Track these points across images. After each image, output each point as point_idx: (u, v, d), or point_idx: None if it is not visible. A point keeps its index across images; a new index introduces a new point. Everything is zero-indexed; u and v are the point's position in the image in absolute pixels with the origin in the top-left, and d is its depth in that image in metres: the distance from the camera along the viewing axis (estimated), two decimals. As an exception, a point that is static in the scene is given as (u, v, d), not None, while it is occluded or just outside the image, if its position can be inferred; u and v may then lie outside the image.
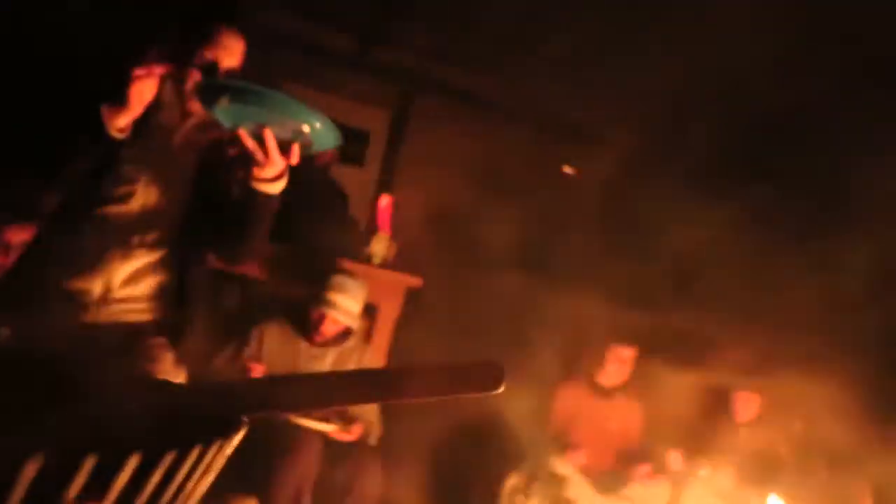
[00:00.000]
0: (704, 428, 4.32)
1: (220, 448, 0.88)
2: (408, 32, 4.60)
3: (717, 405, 4.38)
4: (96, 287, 1.83)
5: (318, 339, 3.47)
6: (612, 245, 4.25)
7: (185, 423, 0.82)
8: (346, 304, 3.47)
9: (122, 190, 1.86)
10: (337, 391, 1.00)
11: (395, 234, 4.02)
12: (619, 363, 4.26)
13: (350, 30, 4.53)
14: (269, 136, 1.67)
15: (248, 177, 1.79)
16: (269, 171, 1.76)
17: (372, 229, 3.98)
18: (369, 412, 3.55)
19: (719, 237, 3.90)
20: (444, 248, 4.48)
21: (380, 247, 3.90)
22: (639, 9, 3.74)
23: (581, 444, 4.08)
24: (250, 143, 1.69)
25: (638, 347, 4.27)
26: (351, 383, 1.07)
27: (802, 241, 3.96)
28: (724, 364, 4.08)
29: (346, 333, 3.52)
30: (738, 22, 3.37)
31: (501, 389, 0.97)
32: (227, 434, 0.87)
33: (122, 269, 1.86)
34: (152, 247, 1.90)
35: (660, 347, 4.19)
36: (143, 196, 1.88)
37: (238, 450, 1.20)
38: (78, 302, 1.83)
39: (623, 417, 4.32)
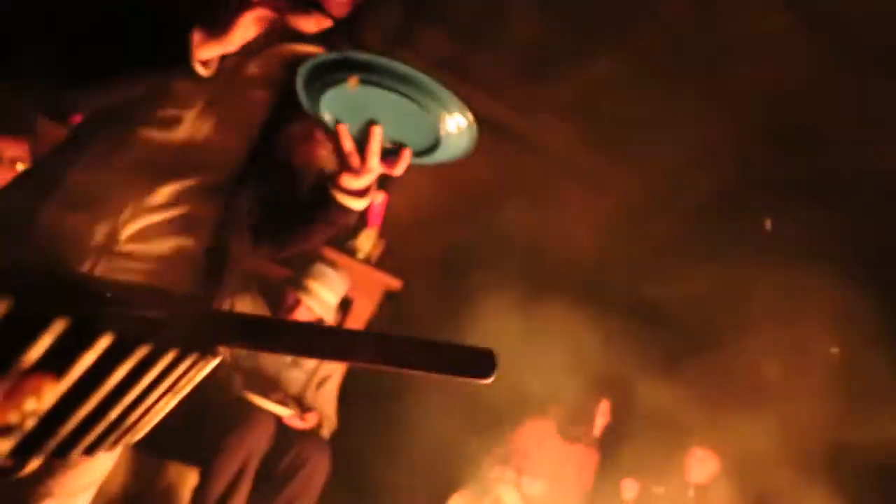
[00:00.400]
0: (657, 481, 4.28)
1: (193, 366, 0.84)
2: (430, 41, 4.61)
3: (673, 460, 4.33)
4: (98, 231, 1.39)
5: (289, 322, 3.43)
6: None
7: (164, 325, 0.79)
8: (323, 295, 3.44)
9: (169, 112, 1.43)
10: (323, 342, 0.97)
11: (384, 234, 4.00)
12: (603, 417, 4.25)
13: (381, 28, 4.53)
14: (377, 136, 1.31)
15: (330, 181, 1.41)
16: (361, 182, 1.38)
17: (361, 224, 3.96)
18: (327, 404, 3.51)
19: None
20: (433, 259, 4.45)
21: (366, 242, 3.88)
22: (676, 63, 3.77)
23: (537, 477, 4.05)
24: (349, 144, 1.33)
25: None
26: (338, 338, 1.03)
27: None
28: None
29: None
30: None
31: (490, 380, 0.95)
32: (203, 353, 0.84)
33: (139, 219, 1.41)
34: (186, 199, 1.43)
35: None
36: (192, 127, 1.44)
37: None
38: (72, 244, 1.39)
39: (581, 463, 4.29)
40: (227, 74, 1.44)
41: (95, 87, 1.38)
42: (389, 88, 1.24)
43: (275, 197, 1.50)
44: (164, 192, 1.42)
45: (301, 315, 3.42)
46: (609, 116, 4.46)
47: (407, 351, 0.95)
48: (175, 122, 1.43)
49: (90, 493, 1.37)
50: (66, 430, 0.73)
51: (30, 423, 0.67)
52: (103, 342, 0.67)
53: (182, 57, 1.32)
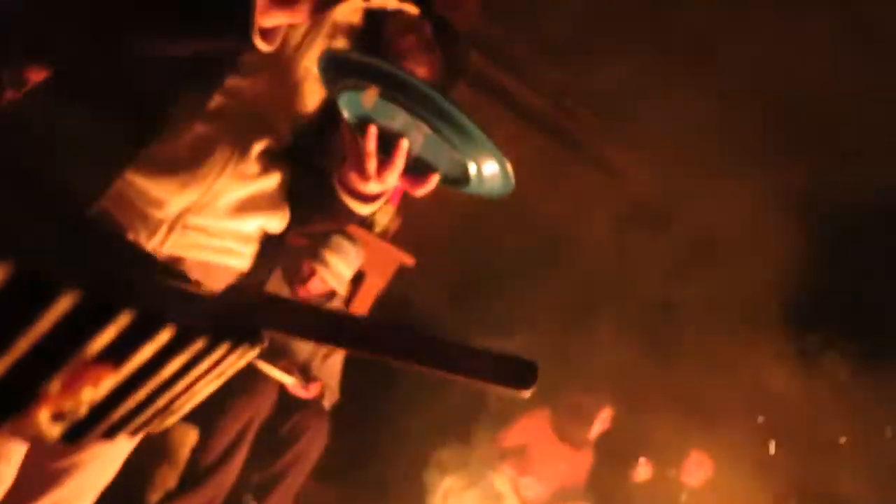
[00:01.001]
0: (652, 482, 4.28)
1: (241, 356, 0.82)
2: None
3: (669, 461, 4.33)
4: (181, 200, 1.18)
5: (302, 292, 3.41)
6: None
7: (217, 318, 0.76)
8: (338, 268, 3.42)
9: (250, 58, 1.21)
10: (360, 336, 0.93)
11: (402, 210, 3.97)
12: (602, 424, 4.22)
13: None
14: (403, 150, 1.10)
15: (340, 179, 1.22)
16: (372, 187, 1.18)
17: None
18: (331, 375, 3.50)
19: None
20: (450, 240, 4.41)
21: (384, 216, 3.84)
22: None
23: (529, 471, 4.04)
24: (372, 146, 1.11)
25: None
26: (377, 332, 0.99)
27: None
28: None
29: (330, 296, 3.46)
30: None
31: (528, 394, 0.89)
32: (252, 342, 0.81)
33: (235, 189, 1.22)
34: (272, 166, 1.26)
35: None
36: (268, 79, 1.24)
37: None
38: (143, 213, 1.17)
39: (575, 461, 4.26)
40: (292, 49, 1.25)
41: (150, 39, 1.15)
42: (414, 114, 1.04)
43: (306, 177, 1.33)
44: (254, 156, 1.23)
45: (314, 285, 3.41)
46: (637, 115, 4.41)
47: (444, 353, 0.92)
48: (254, 69, 1.23)
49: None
50: (115, 416, 0.71)
51: (83, 411, 0.65)
52: (164, 335, 0.65)
53: (241, 23, 1.07)
